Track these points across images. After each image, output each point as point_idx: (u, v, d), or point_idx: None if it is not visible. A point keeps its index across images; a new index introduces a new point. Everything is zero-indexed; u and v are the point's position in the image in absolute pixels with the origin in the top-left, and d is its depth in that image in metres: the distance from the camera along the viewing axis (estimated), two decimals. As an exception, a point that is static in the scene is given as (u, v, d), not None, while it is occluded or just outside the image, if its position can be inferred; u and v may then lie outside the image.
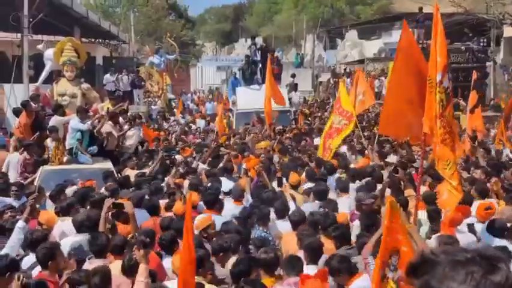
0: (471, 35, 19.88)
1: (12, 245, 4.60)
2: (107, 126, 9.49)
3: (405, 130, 6.38)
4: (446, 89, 5.14)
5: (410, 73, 5.96)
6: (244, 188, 7.08)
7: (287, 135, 13.00)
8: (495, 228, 5.04)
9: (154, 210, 5.95)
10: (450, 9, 23.80)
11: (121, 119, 10.47)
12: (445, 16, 25.61)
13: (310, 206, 6.38)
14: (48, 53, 11.70)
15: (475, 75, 11.38)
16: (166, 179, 7.79)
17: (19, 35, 14.76)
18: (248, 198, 6.88)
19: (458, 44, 19.39)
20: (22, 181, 8.12)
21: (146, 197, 6.38)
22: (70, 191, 6.74)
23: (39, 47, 13.16)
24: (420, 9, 19.91)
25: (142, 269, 3.76)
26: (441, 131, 5.04)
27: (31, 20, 13.88)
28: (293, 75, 21.53)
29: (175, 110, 22.07)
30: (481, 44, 18.82)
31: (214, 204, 6.16)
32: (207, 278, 4.12)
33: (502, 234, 4.97)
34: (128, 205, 5.16)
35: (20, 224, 4.78)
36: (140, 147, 10.98)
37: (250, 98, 15.68)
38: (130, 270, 3.99)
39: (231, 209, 6.39)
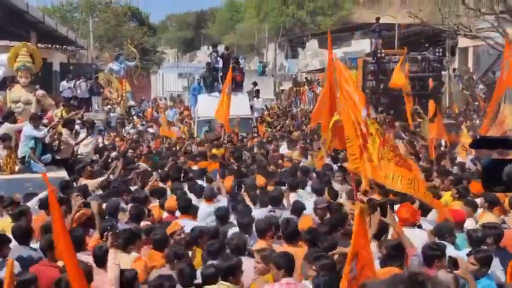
0: (427, 45, 20.49)
1: None
2: (63, 134, 9.18)
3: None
4: (375, 119, 5.37)
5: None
6: (220, 188, 7.33)
7: (249, 142, 13.00)
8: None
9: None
10: (407, 20, 24.51)
11: (77, 127, 10.18)
12: (402, 27, 26.51)
13: (259, 212, 6.35)
14: (2, 58, 11.30)
15: (431, 83, 11.65)
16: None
17: (-29, 39, 14.23)
18: (220, 199, 7.07)
19: (414, 53, 19.92)
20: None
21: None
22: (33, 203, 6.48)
23: (-8, 51, 12.71)
24: (377, 19, 20.38)
25: (112, 252, 4.26)
26: (391, 155, 5.26)
27: (-17, 24, 13.40)
28: (255, 83, 21.60)
29: (134, 117, 21.69)
30: (437, 54, 19.39)
31: (188, 209, 6.35)
32: None
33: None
34: (94, 205, 5.51)
35: None
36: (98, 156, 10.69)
37: (211, 106, 15.60)
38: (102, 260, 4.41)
39: (203, 208, 6.70)
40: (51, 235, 4.51)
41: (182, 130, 17.16)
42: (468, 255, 4.43)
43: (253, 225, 5.60)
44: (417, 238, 4.87)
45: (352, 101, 5.59)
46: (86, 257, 4.62)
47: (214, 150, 10.80)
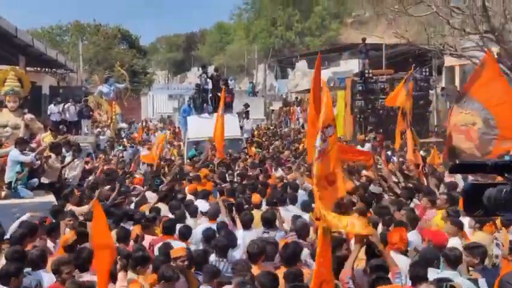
0: (414, 65, 20.77)
1: None
2: (50, 159, 9.11)
3: None
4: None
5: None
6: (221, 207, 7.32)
7: (241, 163, 12.97)
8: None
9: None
10: (393, 40, 24.84)
11: (63, 150, 10.11)
12: (389, 47, 26.87)
13: (254, 233, 6.37)
14: (-10, 82, 11.23)
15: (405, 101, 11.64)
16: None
17: (-42, 63, 14.19)
18: (223, 218, 7.06)
19: (402, 73, 20.17)
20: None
21: None
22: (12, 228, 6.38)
23: (-20, 76, 12.64)
24: (363, 39, 20.68)
25: (121, 275, 4.60)
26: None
27: (-29, 48, 13.39)
28: (246, 105, 21.68)
29: (124, 139, 21.61)
30: (424, 73, 19.66)
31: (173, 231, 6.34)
32: None
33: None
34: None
35: None
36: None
37: (201, 127, 15.63)
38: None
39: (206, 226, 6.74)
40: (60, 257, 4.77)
41: (171, 152, 17.10)
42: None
43: (239, 249, 5.56)
44: (402, 264, 4.84)
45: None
46: (90, 277, 4.84)
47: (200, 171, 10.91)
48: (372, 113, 18.91)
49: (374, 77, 19.13)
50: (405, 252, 5.29)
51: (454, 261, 4.83)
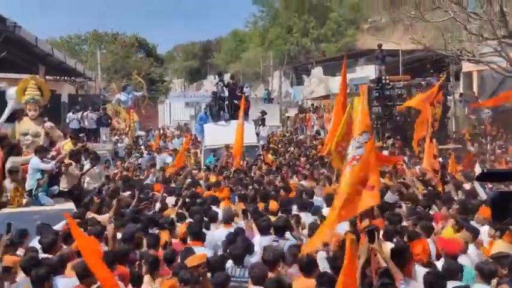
0: (432, 71, 20.60)
1: None
2: (70, 166, 9.24)
3: None
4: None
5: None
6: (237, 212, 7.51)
7: (258, 171, 12.99)
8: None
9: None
10: (411, 46, 24.70)
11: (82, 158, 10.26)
12: (406, 53, 26.70)
13: (267, 240, 6.34)
14: (11, 91, 11.45)
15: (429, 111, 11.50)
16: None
17: (-19, 73, 14.50)
18: (239, 223, 7.23)
19: (419, 79, 20.04)
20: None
21: None
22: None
23: (2, 85, 12.91)
24: (379, 46, 20.57)
25: (147, 279, 4.91)
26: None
27: (-7, 58, 13.68)
28: (263, 112, 21.64)
29: (142, 146, 21.81)
30: (441, 79, 19.47)
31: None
32: None
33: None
34: (110, 229, 5.91)
35: None
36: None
37: (218, 134, 15.71)
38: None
39: (222, 231, 6.91)
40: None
41: (189, 159, 17.23)
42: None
43: (256, 255, 5.60)
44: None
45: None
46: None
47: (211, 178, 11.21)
48: (390, 119, 18.78)
49: (390, 83, 19.01)
50: (428, 264, 5.19)
51: (487, 274, 4.73)
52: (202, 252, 5.51)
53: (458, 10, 16.05)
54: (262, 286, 4.74)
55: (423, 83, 18.90)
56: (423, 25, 19.45)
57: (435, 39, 21.96)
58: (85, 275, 4.76)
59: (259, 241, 6.38)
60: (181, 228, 6.74)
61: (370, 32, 46.09)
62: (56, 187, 8.79)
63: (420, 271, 4.93)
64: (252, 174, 12.35)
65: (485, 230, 6.23)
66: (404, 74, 22.58)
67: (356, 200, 4.87)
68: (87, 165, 10.26)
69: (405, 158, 13.58)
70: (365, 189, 4.90)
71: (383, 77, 19.24)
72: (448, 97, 20.31)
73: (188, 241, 6.38)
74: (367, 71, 30.81)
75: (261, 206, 8.22)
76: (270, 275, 5.05)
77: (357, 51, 38.14)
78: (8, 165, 8.84)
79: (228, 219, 7.21)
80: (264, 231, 6.60)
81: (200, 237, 6.37)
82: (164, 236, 6.35)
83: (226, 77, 21.15)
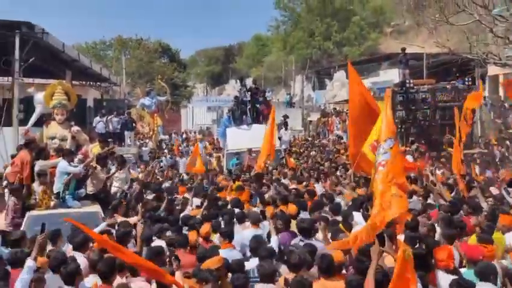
0: (458, 75, 20.31)
1: (22, 280, 4.80)
2: (95, 170, 9.41)
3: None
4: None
5: (362, 112, 6.42)
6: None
7: (277, 174, 13.00)
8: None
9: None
10: (435, 50, 24.42)
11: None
12: (430, 56, 26.40)
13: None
14: (39, 96, 11.69)
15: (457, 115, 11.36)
16: None
17: (10, 78, 14.84)
18: (265, 224, 7.29)
19: (443, 83, 19.77)
20: (10, 227, 8.05)
21: None
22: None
23: (30, 90, 13.21)
24: (403, 49, 20.36)
25: (178, 274, 5.06)
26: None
27: (22, 63, 13.99)
28: (285, 116, 21.58)
29: (165, 150, 22.06)
30: (466, 83, 19.18)
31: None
32: None
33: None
34: (139, 228, 6.11)
35: (30, 262, 4.94)
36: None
37: (240, 138, 15.78)
38: None
39: (251, 231, 6.96)
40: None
41: (213, 163, 17.38)
42: None
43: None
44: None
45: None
46: (141, 282, 5.18)
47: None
48: (414, 123, 18.57)
49: (415, 87, 18.79)
50: (453, 271, 5.11)
51: None
52: (222, 255, 5.59)
53: (483, 13, 15.81)
54: (270, 283, 4.88)
55: (448, 86, 18.63)
56: (447, 28, 19.22)
57: (460, 43, 21.67)
58: (108, 273, 4.93)
59: (277, 241, 6.51)
60: (204, 227, 6.90)
61: (393, 35, 45.75)
62: (82, 190, 8.95)
63: (444, 278, 4.89)
64: (273, 177, 12.36)
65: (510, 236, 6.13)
66: (429, 78, 22.30)
67: (386, 208, 4.92)
68: (113, 169, 10.42)
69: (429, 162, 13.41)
70: (392, 197, 4.95)
71: (407, 81, 19.02)
72: (474, 101, 19.95)
73: (219, 242, 6.56)
74: (390, 75, 30.55)
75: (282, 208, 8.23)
76: (291, 276, 5.08)
77: (380, 55, 37.88)
78: (36, 168, 9.04)
79: (256, 221, 7.31)
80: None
81: (231, 238, 6.52)
82: (193, 235, 6.58)
83: (249, 82, 21.25)
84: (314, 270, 5.33)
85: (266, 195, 9.54)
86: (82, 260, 5.58)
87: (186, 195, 10.08)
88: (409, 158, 14.00)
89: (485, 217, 7.01)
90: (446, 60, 24.22)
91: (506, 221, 6.56)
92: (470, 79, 19.12)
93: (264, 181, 11.26)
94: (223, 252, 5.88)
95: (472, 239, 6.28)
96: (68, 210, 8.45)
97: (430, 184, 9.04)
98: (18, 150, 10.67)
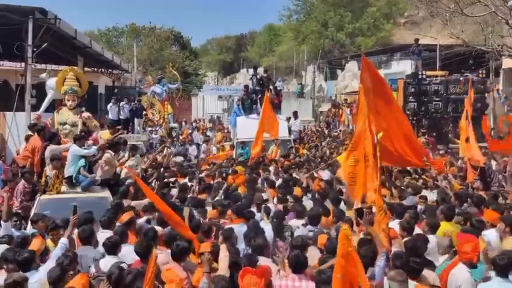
0: (473, 68, 20.07)
1: (54, 257, 5.27)
2: (107, 155, 9.47)
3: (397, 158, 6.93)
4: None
5: (378, 103, 6.38)
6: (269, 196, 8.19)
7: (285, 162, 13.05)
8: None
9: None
10: (449, 41, 24.13)
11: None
12: (444, 48, 26.08)
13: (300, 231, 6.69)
14: (51, 82, 11.74)
15: (467, 104, 11.25)
16: None
17: (23, 64, 14.92)
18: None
19: (456, 75, 19.57)
20: (19, 210, 8.18)
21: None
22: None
23: (42, 76, 13.28)
24: (416, 40, 20.13)
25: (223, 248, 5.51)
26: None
27: (35, 49, 14.05)
28: (295, 113, 21.11)
29: (175, 138, 22.13)
30: (480, 75, 18.97)
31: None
32: None
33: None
34: (186, 211, 6.50)
35: (64, 240, 5.62)
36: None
37: (250, 128, 15.76)
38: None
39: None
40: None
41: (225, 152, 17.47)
42: None
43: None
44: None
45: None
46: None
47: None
48: (426, 115, 18.43)
49: (427, 79, 18.61)
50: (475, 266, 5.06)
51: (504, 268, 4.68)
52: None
53: (499, 4, 15.58)
54: (262, 256, 5.35)
55: (461, 78, 18.43)
56: (462, 19, 18.98)
57: (474, 34, 21.41)
58: (143, 253, 5.21)
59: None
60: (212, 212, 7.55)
61: (407, 26, 45.27)
62: (94, 175, 9.01)
63: (462, 271, 4.90)
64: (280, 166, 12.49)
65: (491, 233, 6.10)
66: (442, 70, 22.06)
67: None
68: (126, 155, 10.50)
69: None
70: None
71: (420, 72, 18.85)
72: (487, 94, 19.76)
73: (233, 219, 7.03)
74: (403, 66, 30.29)
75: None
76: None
77: (393, 46, 37.51)
78: (47, 153, 9.11)
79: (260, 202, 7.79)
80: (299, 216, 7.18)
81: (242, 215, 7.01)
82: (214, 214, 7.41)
83: (260, 71, 21.15)
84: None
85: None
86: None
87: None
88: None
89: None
90: (460, 52, 23.94)
91: (489, 217, 6.53)
92: (484, 71, 18.91)
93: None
94: (235, 227, 6.35)
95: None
96: (77, 195, 8.53)
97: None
98: (26, 139, 10.79)
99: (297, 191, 8.70)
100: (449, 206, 6.97)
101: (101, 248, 5.75)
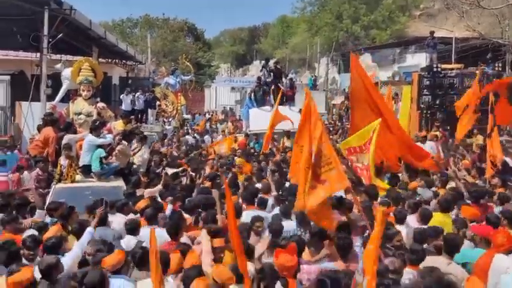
0: (490, 61, 19.78)
1: (79, 246, 5.44)
2: (121, 145, 9.57)
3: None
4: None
5: (366, 103, 6.39)
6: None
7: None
8: None
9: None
10: (465, 34, 23.85)
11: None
12: (459, 40, 25.78)
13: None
14: (66, 72, 11.86)
15: (491, 97, 11.14)
16: None
17: (38, 54, 15.07)
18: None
19: (472, 68, 19.32)
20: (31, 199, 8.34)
21: None
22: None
23: (58, 66, 13.41)
24: (432, 33, 19.87)
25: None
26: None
27: (51, 40, 14.18)
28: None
29: (189, 130, 22.25)
30: (496, 69, 18.70)
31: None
32: None
33: None
34: (216, 193, 6.58)
35: (90, 229, 5.78)
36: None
37: (262, 119, 15.79)
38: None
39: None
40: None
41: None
42: None
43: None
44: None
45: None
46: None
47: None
48: (440, 109, 18.24)
49: (442, 72, 18.39)
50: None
51: None
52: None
53: (517, -4, 15.35)
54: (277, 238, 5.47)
55: (477, 72, 18.19)
56: (478, 12, 18.71)
57: (491, 27, 21.11)
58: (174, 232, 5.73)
59: None
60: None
61: (422, 18, 44.71)
62: (115, 163, 9.16)
63: (503, 260, 4.94)
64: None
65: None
66: (457, 63, 21.81)
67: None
68: (134, 145, 10.60)
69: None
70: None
71: (435, 65, 18.63)
72: (503, 87, 19.48)
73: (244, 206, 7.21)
74: (417, 59, 29.99)
75: None
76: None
77: (408, 39, 37.15)
78: (64, 141, 9.23)
79: (267, 190, 8.03)
80: None
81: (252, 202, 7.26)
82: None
83: (271, 63, 21.13)
84: None
85: None
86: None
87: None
88: (429, 144, 13.72)
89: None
90: (476, 44, 23.64)
91: (467, 213, 6.52)
92: (500, 65, 18.66)
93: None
94: (247, 213, 6.67)
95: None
96: (92, 184, 8.65)
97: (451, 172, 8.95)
98: (38, 129, 10.92)
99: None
100: (445, 198, 6.93)
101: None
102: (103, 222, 6.22)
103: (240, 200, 7.43)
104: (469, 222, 6.26)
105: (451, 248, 5.13)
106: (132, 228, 6.12)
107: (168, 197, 7.35)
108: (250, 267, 4.57)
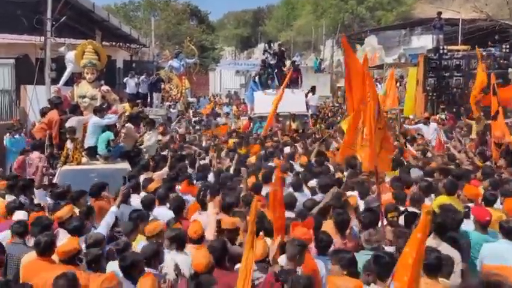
0: (499, 43, 19.54)
1: (104, 225, 5.53)
2: (128, 128, 9.61)
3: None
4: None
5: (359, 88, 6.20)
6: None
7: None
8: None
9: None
10: (472, 15, 23.56)
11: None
12: (466, 22, 25.47)
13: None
14: (70, 55, 11.80)
15: (493, 79, 11.03)
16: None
17: (42, 38, 15.03)
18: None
19: (480, 50, 19.11)
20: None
21: None
22: None
23: (61, 49, 13.37)
24: (439, 13, 19.63)
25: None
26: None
27: (54, 23, 14.13)
28: (313, 87, 20.88)
29: (192, 112, 22.25)
30: (503, 51, 18.49)
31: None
32: None
33: None
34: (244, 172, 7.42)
35: (113, 208, 5.83)
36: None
37: (266, 102, 15.74)
38: None
39: None
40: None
41: (238, 125, 17.52)
42: None
43: None
44: None
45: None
46: None
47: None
48: (446, 91, 18.13)
49: (448, 53, 18.23)
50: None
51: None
52: None
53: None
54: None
55: (484, 53, 18.00)
56: (486, -8, 18.45)
57: (498, 8, 20.83)
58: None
59: None
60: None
61: (428, 0, 44.19)
62: (121, 145, 9.21)
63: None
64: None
65: None
66: (464, 45, 21.59)
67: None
68: (142, 129, 10.64)
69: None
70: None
71: (441, 47, 18.46)
72: (510, 69, 19.31)
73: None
74: (423, 41, 29.70)
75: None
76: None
77: (413, 20, 36.78)
78: (68, 124, 9.24)
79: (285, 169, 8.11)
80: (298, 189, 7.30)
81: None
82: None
83: (275, 46, 20.95)
84: None
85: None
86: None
87: None
88: (433, 126, 13.66)
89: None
90: (483, 26, 23.36)
91: (468, 192, 6.53)
92: (508, 46, 18.43)
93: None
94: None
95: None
96: (97, 166, 8.69)
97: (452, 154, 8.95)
98: (41, 113, 10.93)
99: (302, 159, 9.33)
100: (451, 180, 6.89)
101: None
102: (125, 201, 6.39)
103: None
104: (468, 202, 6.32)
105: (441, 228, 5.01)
106: (147, 205, 6.33)
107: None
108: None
